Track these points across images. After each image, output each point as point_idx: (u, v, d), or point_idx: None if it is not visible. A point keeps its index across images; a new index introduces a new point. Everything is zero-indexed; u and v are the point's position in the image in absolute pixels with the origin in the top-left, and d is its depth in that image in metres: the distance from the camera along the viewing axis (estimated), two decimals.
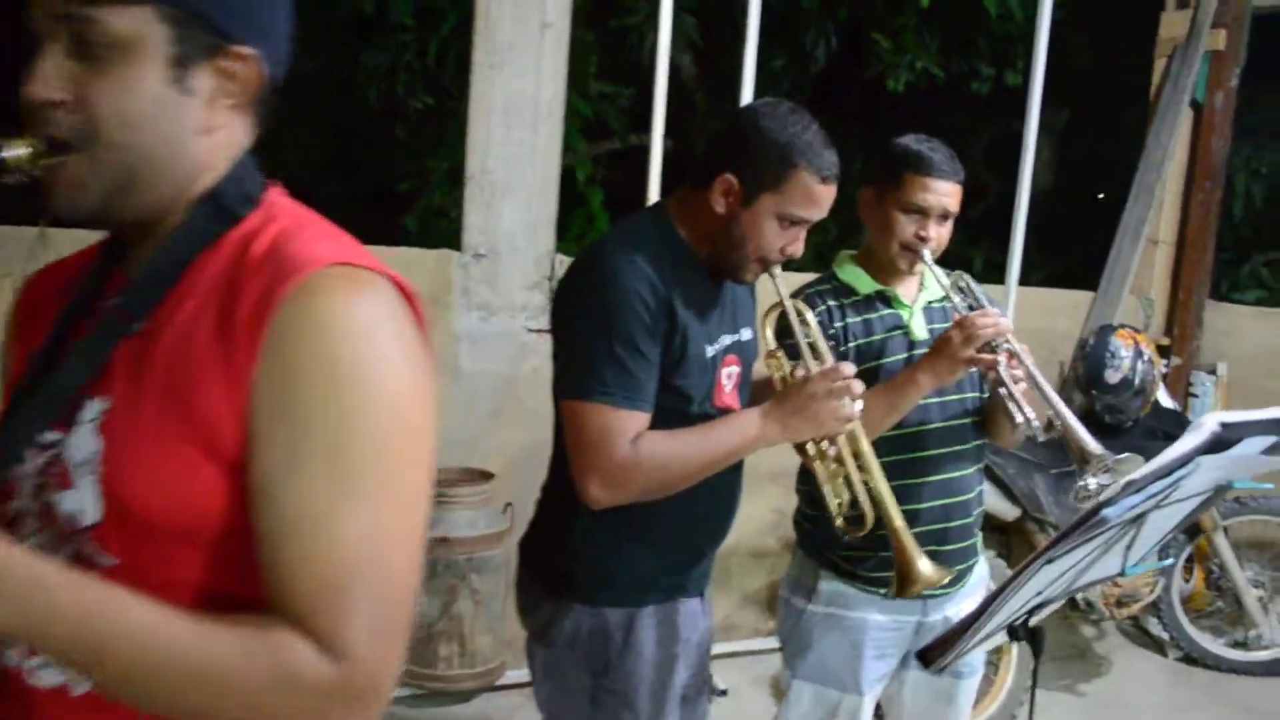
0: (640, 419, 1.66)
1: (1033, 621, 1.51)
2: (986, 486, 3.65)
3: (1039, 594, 1.27)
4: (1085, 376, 3.71)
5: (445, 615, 3.40)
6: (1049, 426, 1.96)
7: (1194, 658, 4.11)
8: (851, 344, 2.09)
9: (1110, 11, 6.36)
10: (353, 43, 6.61)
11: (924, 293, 2.17)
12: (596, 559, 1.80)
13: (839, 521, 1.83)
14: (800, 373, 1.78)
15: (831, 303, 2.12)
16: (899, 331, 2.12)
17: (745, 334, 1.91)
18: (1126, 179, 4.85)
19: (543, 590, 1.85)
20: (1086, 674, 4.04)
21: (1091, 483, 1.81)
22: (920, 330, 2.13)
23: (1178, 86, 4.65)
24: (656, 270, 1.68)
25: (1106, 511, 1.03)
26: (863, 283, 2.14)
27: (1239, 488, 1.32)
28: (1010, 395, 1.95)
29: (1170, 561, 3.90)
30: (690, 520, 1.82)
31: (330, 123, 7.60)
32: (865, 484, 1.81)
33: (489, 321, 3.62)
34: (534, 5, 3.54)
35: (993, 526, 3.66)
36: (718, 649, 3.99)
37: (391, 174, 6.59)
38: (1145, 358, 3.67)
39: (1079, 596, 3.60)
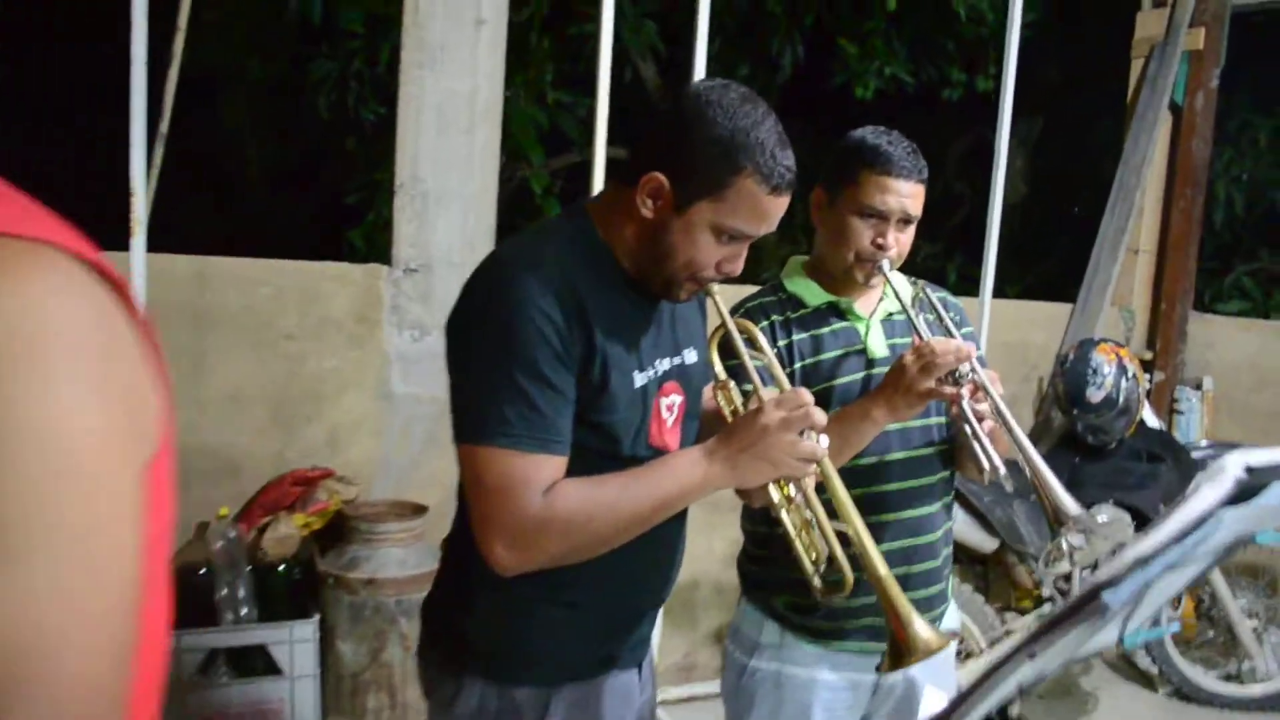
0: (553, 465, 1.38)
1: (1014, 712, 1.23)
2: (961, 516, 3.43)
3: (1020, 687, 1.01)
4: (1066, 395, 3.46)
5: (374, 663, 3.11)
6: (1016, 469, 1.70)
7: (1185, 693, 3.86)
8: (798, 364, 1.83)
9: (1084, 13, 6.18)
10: (301, 52, 6.39)
11: (884, 303, 1.91)
12: (504, 627, 1.52)
13: (815, 583, 1.52)
14: (753, 404, 1.49)
15: (776, 317, 1.86)
16: (854, 348, 1.86)
17: (690, 356, 1.62)
18: (1104, 188, 4.66)
19: (443, 662, 1.57)
20: (1072, 711, 3.78)
21: (1067, 544, 1.55)
22: (879, 347, 1.87)
23: (1156, 88, 4.45)
24: (568, 282, 1.39)
25: (1108, 597, 0.77)
26: (813, 294, 1.89)
27: (1264, 542, 1.06)
28: (974, 435, 1.67)
29: (1166, 630, 3.66)
30: (622, 580, 1.54)
31: (280, 135, 7.35)
32: (842, 534, 1.51)
33: (422, 341, 3.34)
34: (467, 1, 3.28)
35: (970, 559, 3.41)
36: (677, 693, 3.71)
37: (343, 188, 6.32)
38: (1129, 374, 3.43)
39: None
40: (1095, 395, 3.39)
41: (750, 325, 1.54)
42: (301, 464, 3.31)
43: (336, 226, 6.08)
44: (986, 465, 1.65)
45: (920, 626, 1.40)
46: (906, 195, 1.78)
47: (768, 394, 1.45)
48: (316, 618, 3.00)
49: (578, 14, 5.84)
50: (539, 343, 1.35)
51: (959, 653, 3.24)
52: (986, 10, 5.53)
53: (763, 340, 1.52)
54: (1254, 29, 4.77)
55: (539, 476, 1.36)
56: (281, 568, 3.06)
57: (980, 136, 6.10)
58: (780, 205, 1.42)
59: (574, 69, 5.98)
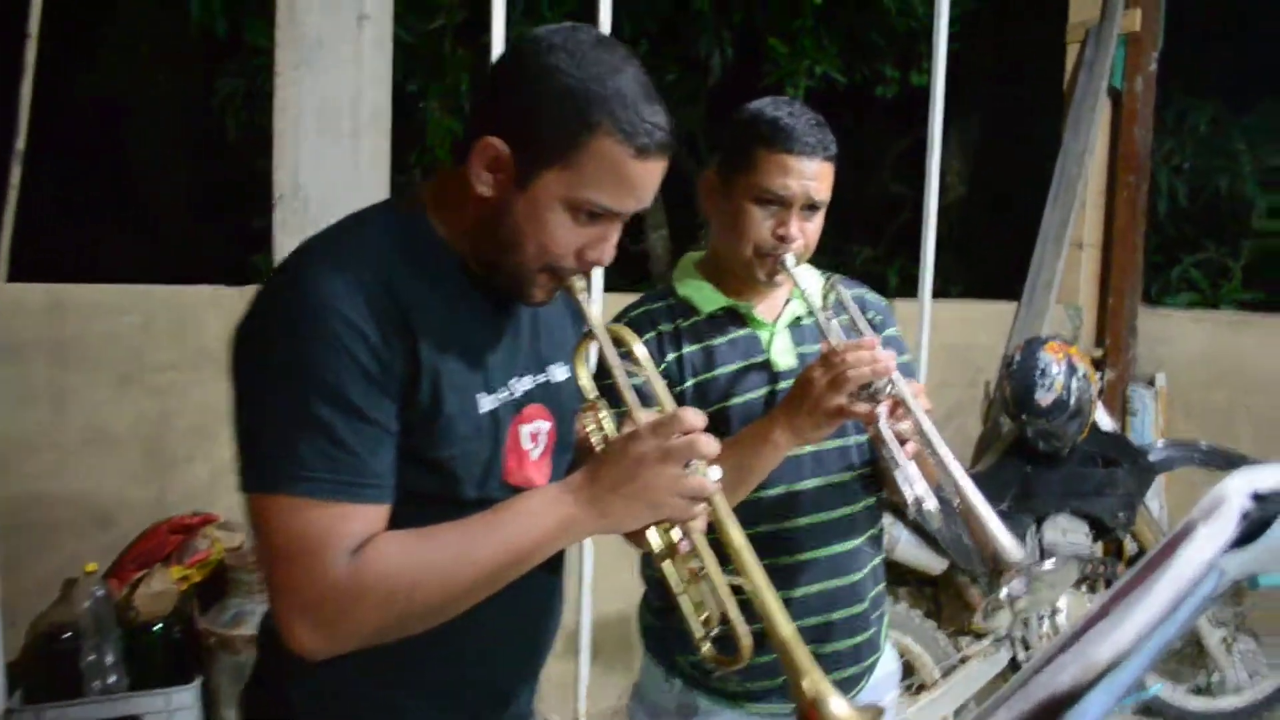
0: (366, 516, 1.08)
1: None
2: (905, 535, 3.18)
3: None
4: (1014, 399, 3.22)
5: None
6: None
7: (1153, 709, 3.62)
8: (690, 380, 1.57)
9: (1015, 5, 6.03)
10: (207, 68, 6.10)
11: (791, 305, 1.65)
12: (329, 713, 1.22)
13: (705, 648, 1.21)
14: (628, 428, 1.20)
15: (665, 326, 1.59)
16: (756, 360, 1.60)
17: (559, 373, 1.33)
18: (1046, 182, 4.47)
19: None
20: None
21: (1008, 593, 1.29)
22: (785, 357, 1.61)
23: (1093, 73, 4.28)
24: (384, 283, 1.10)
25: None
26: (706, 298, 1.62)
27: (1266, 585, 0.80)
28: (893, 461, 1.40)
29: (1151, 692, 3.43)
30: (480, 650, 1.25)
31: (188, 156, 7.00)
32: (736, 589, 1.19)
33: None
34: None
35: (918, 580, 3.15)
36: None
37: (253, 209, 6.01)
38: (1080, 374, 3.20)
39: (1019, 653, 3.10)
40: (1045, 398, 3.16)
41: (625, 332, 1.23)
42: (181, 509, 2.99)
43: (247, 251, 5.76)
44: (909, 497, 1.38)
45: (836, 706, 1.10)
46: (810, 177, 1.52)
47: (646, 417, 1.17)
48: (198, 682, 2.71)
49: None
50: (344, 361, 1.05)
51: (910, 685, 2.98)
52: (916, 2, 5.34)
53: (640, 350, 1.22)
54: (1188, 9, 4.61)
55: (346, 532, 1.06)
56: (158, 627, 2.74)
57: (918, 136, 5.93)
58: (650, 172, 1.14)
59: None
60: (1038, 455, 3.29)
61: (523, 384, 1.26)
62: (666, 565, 1.21)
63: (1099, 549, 3.35)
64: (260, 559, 1.10)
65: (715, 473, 1.15)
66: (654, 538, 1.20)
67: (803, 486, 1.57)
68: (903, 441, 1.41)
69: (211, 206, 6.76)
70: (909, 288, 5.23)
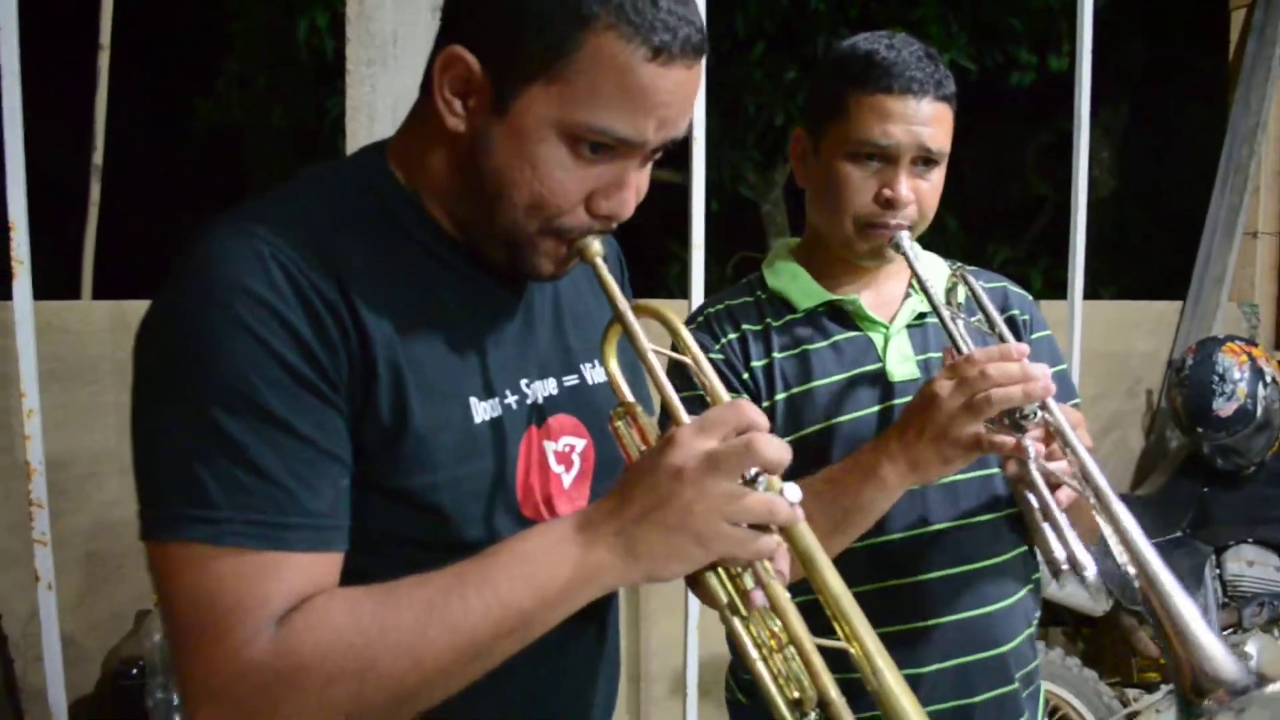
0: (299, 569, 0.79)
1: None
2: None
3: None
4: (1186, 410, 2.80)
5: None
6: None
7: None
8: (780, 394, 1.25)
9: None
10: (318, 91, 6.17)
11: (912, 300, 1.32)
12: None
13: None
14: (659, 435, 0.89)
15: (751, 326, 1.29)
16: (867, 369, 1.27)
17: (594, 373, 1.03)
18: (1208, 171, 4.00)
19: None
20: None
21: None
22: (903, 366, 1.28)
23: (1263, 39, 3.83)
24: (319, 254, 0.82)
25: None
26: (804, 290, 1.30)
27: None
28: (1043, 511, 1.05)
29: None
30: None
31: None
32: (846, 650, 0.86)
33: None
34: None
35: (1075, 622, 2.73)
36: None
37: None
38: (1267, 379, 2.75)
39: None
40: (1225, 408, 2.72)
41: (664, 310, 0.91)
42: None
43: None
44: (1061, 556, 1.03)
45: None
46: (921, 121, 1.19)
47: (689, 422, 0.84)
48: None
49: None
50: (258, 358, 0.78)
51: None
52: None
53: (687, 337, 0.90)
54: None
55: (269, 592, 0.77)
56: None
57: (1060, 129, 5.48)
58: (675, 82, 0.83)
59: None
60: (1216, 474, 2.92)
61: (543, 387, 0.97)
62: (736, 624, 0.88)
63: None
64: (164, 628, 0.82)
65: (793, 491, 0.83)
66: (715, 585, 0.86)
67: (932, 529, 1.23)
68: (1054, 486, 1.06)
69: None
70: (1054, 291, 4.76)
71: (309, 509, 0.80)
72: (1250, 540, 2.83)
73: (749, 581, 0.86)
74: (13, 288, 2.02)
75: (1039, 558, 1.27)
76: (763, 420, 0.82)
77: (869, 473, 1.10)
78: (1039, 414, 1.06)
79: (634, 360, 0.91)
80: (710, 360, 1.24)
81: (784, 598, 0.85)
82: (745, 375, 1.26)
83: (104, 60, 2.88)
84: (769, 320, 1.29)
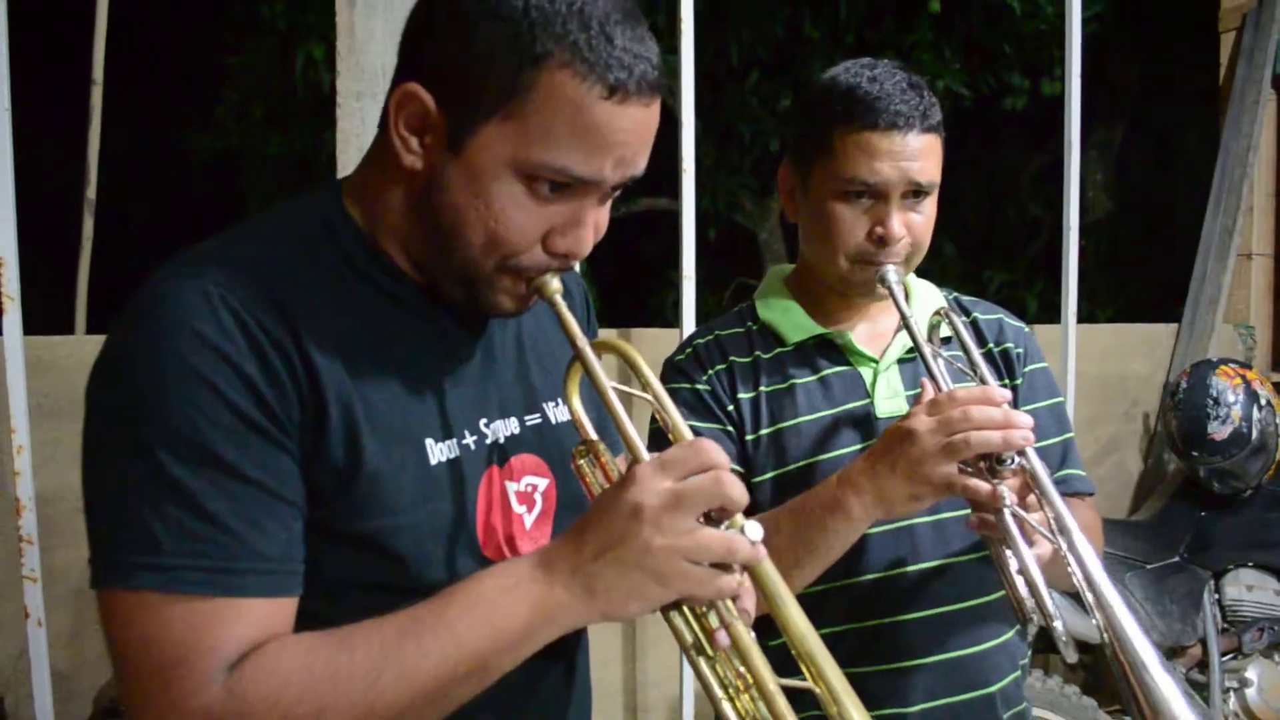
0: (250, 615, 0.79)
1: None
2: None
3: None
4: (1182, 434, 2.78)
5: None
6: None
7: None
8: (765, 429, 1.24)
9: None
10: (314, 122, 6.19)
11: (904, 335, 1.30)
12: None
13: None
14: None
15: (738, 359, 1.28)
16: (855, 405, 1.26)
17: (558, 412, 1.03)
18: (1202, 192, 3.99)
19: None
20: None
21: None
22: (891, 403, 1.27)
23: (1253, 62, 3.82)
24: (268, 294, 0.82)
25: None
26: (794, 324, 1.30)
27: None
28: (1019, 563, 1.03)
29: None
30: None
31: None
32: (812, 689, 0.85)
33: None
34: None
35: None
36: None
37: None
38: (1262, 401, 2.73)
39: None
40: (1220, 431, 2.71)
41: (625, 347, 0.90)
42: None
43: None
44: (1031, 607, 1.02)
45: None
46: (908, 155, 1.18)
47: (648, 459, 0.84)
48: None
49: None
50: (208, 403, 0.78)
51: None
52: (1043, 2, 4.91)
53: (648, 373, 0.88)
54: None
55: (220, 638, 0.77)
56: None
57: (1054, 152, 5.50)
58: (636, 120, 0.83)
59: None
60: (1213, 498, 2.89)
61: (504, 427, 0.97)
62: (702, 664, 0.87)
63: None
64: (115, 675, 0.82)
65: (754, 529, 0.82)
66: (679, 625, 0.86)
67: (920, 567, 1.21)
68: (1030, 539, 1.04)
69: None
70: (1050, 314, 4.76)
71: (260, 553, 0.79)
72: (1249, 564, 2.81)
73: (714, 621, 0.85)
74: (2, 323, 2.01)
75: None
76: (724, 459, 0.82)
77: (834, 505, 1.09)
78: (1016, 460, 1.05)
79: None
80: (697, 391, 1.24)
81: (747, 638, 0.84)
82: (731, 408, 1.25)
83: (96, 95, 2.90)
84: (758, 353, 1.29)
